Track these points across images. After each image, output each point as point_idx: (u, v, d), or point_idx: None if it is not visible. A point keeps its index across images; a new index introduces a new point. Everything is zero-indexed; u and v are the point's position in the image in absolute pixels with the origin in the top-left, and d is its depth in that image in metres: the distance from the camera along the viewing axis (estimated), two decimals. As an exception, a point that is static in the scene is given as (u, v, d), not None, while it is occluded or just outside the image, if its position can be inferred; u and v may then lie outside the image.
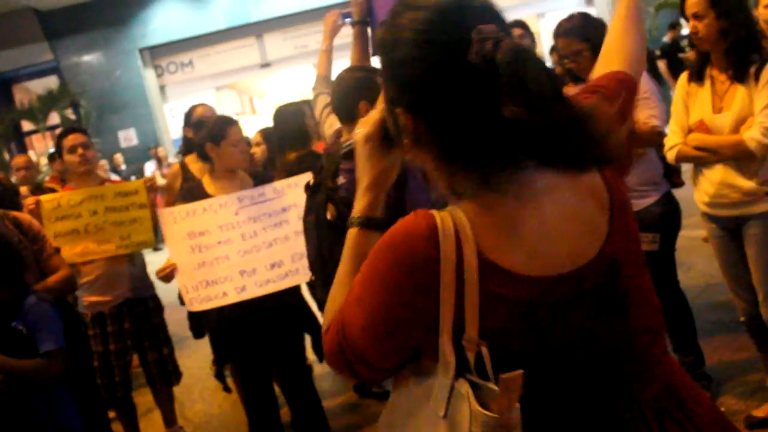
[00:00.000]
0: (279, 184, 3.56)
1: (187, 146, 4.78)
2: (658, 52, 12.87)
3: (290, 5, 15.41)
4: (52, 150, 8.36)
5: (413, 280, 1.12)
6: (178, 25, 15.70)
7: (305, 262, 3.39)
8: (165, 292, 4.36)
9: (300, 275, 3.43)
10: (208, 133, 3.51)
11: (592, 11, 14.26)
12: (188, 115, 4.77)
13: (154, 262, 4.07)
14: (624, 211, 1.25)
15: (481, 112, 1.10)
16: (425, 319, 1.13)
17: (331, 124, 3.51)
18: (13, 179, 5.81)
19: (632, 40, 1.56)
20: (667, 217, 3.47)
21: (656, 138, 3.34)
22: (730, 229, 3.16)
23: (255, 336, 3.50)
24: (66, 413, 2.94)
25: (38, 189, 5.59)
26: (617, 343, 1.20)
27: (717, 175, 3.08)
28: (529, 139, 1.09)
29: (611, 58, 1.53)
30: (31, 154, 15.94)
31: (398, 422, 1.28)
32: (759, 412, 3.24)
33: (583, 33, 3.42)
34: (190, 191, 3.59)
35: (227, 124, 3.55)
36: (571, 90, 2.52)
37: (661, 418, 1.21)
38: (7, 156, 14.10)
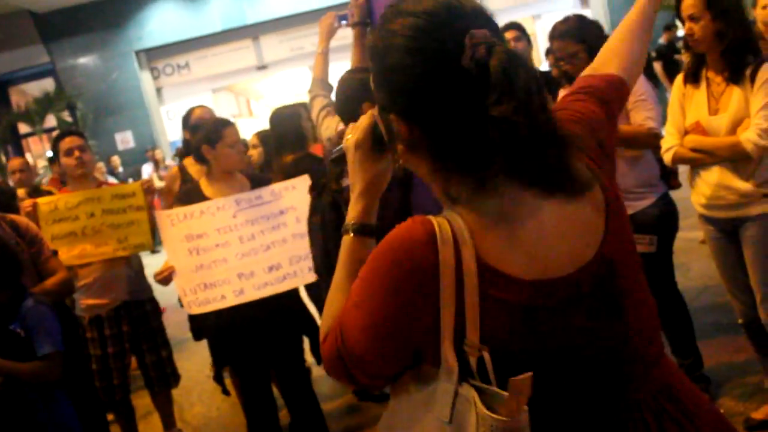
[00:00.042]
0: (276, 186, 3.56)
1: (186, 148, 4.78)
2: (653, 54, 12.90)
3: (286, 7, 15.42)
4: (50, 153, 8.36)
5: (412, 286, 1.12)
6: (175, 27, 15.70)
7: (303, 265, 3.41)
8: (163, 294, 4.36)
9: (298, 278, 3.43)
10: (204, 135, 3.51)
11: (588, 13, 14.30)
12: (186, 117, 4.76)
13: (151, 264, 4.06)
14: (619, 213, 1.26)
15: (474, 116, 1.10)
16: (425, 324, 1.13)
17: (328, 126, 3.51)
18: (10, 182, 5.81)
19: (636, 46, 1.56)
20: (664, 219, 3.47)
21: (652, 140, 3.35)
22: (727, 231, 3.17)
23: (253, 339, 3.49)
24: (64, 416, 2.93)
25: (35, 191, 5.57)
26: (616, 345, 1.20)
27: (714, 176, 3.08)
28: (513, 145, 1.09)
29: (610, 59, 1.53)
30: (28, 156, 15.94)
31: (399, 428, 1.28)
32: (758, 414, 3.25)
33: (578, 35, 3.42)
34: (188, 194, 3.59)
35: (223, 125, 3.55)
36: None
37: (660, 420, 1.22)
38: (3, 158, 14.09)
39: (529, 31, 4.57)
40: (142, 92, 15.90)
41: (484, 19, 1.18)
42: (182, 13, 15.72)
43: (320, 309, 4.39)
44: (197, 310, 3.38)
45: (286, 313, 3.55)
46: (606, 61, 1.52)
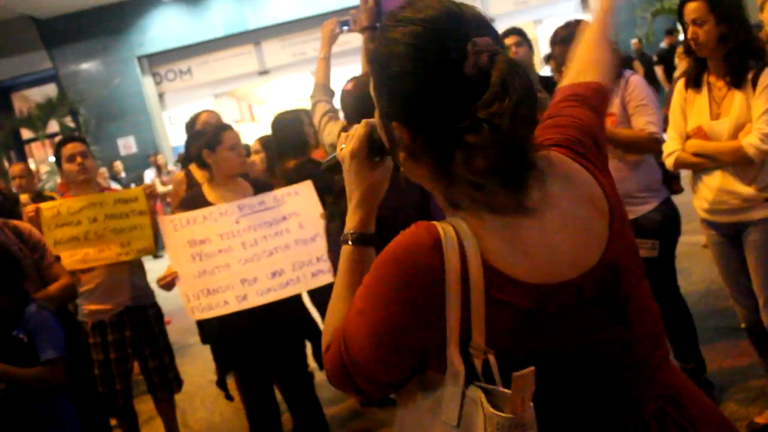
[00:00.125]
0: (279, 192, 3.57)
1: (187, 155, 4.78)
2: (655, 58, 12.92)
3: (288, 13, 15.45)
4: (53, 158, 8.36)
5: (417, 292, 1.12)
6: (177, 32, 15.73)
7: (306, 271, 3.41)
8: (165, 300, 4.36)
9: (301, 284, 3.43)
10: (204, 140, 3.53)
11: (589, 17, 14.29)
12: (192, 122, 4.76)
13: (154, 269, 4.07)
14: (622, 218, 1.26)
15: (472, 120, 1.11)
16: (430, 329, 1.13)
17: (330, 132, 3.51)
18: (12, 188, 5.81)
19: (607, 53, 1.61)
20: (666, 224, 3.47)
21: (653, 145, 3.35)
22: (729, 236, 3.16)
23: (256, 344, 3.49)
24: (67, 421, 2.94)
25: (39, 197, 5.58)
26: (620, 350, 1.20)
27: (716, 181, 3.08)
28: (492, 147, 1.10)
29: (587, 69, 1.55)
30: (31, 162, 15.96)
31: None
32: (761, 419, 3.24)
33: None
34: (191, 199, 3.59)
35: (221, 129, 3.57)
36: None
37: (663, 425, 1.22)
38: (6, 164, 14.11)
39: (530, 36, 4.58)
40: (144, 98, 15.94)
41: (485, 26, 1.18)
42: (184, 18, 15.75)
43: (323, 314, 4.39)
44: (200, 316, 3.38)
45: (288, 318, 3.55)
46: (583, 71, 1.55)
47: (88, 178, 4.09)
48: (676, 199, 3.62)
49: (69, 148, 4.06)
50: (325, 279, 3.40)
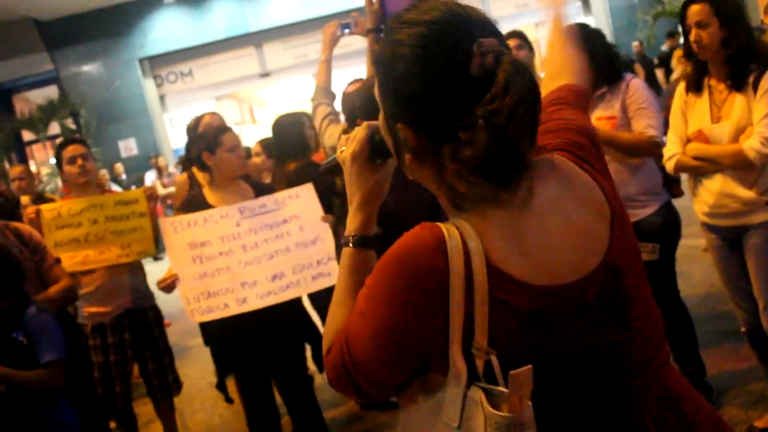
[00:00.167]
0: (280, 195, 3.57)
1: (188, 158, 4.79)
2: (656, 61, 12.93)
3: (289, 15, 15.47)
4: (54, 160, 8.37)
5: (421, 292, 1.12)
6: (178, 34, 15.75)
7: (306, 274, 3.41)
8: (165, 302, 4.36)
9: (301, 287, 3.43)
10: (203, 143, 3.53)
11: (591, 20, 14.32)
12: (195, 125, 4.77)
13: (154, 272, 4.07)
14: (623, 221, 1.26)
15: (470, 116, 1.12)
16: (433, 330, 1.13)
17: (331, 135, 3.52)
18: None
19: (572, 55, 1.64)
20: (667, 227, 3.47)
21: (653, 148, 3.35)
22: (730, 239, 3.16)
23: (256, 346, 3.49)
24: (67, 424, 2.94)
25: (40, 199, 5.59)
26: (621, 353, 1.20)
27: (716, 185, 3.08)
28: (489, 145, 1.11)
29: (563, 73, 1.58)
30: (32, 164, 15.98)
31: None
32: (760, 423, 3.24)
33: (580, 43, 3.43)
34: (191, 201, 3.59)
35: (221, 131, 3.57)
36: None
37: (662, 428, 1.22)
38: (7, 166, 14.12)
39: (531, 38, 4.58)
40: (145, 100, 15.95)
41: (491, 28, 1.19)
42: (185, 20, 15.77)
43: (323, 317, 4.39)
44: (200, 319, 3.38)
45: (288, 321, 3.55)
46: (559, 75, 1.58)
47: (88, 180, 4.10)
48: (676, 202, 3.62)
49: (70, 151, 4.06)
50: (326, 282, 3.40)
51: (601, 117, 3.46)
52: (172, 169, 14.40)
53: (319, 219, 3.51)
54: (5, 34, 14.81)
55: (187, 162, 4.77)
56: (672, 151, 3.18)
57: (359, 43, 3.62)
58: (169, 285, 3.35)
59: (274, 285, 3.37)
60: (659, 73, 12.51)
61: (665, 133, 3.33)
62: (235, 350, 3.54)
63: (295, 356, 3.69)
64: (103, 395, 4.00)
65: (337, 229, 3.28)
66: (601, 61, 3.42)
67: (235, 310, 3.32)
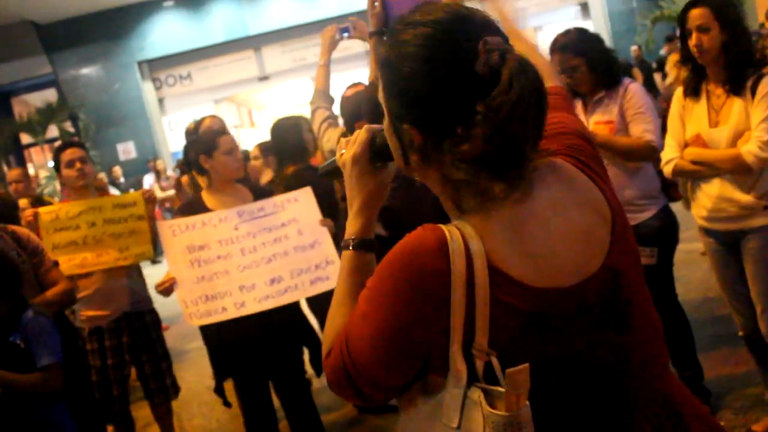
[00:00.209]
0: (278, 198, 3.56)
1: (186, 162, 4.79)
2: (654, 65, 12.95)
3: (288, 18, 15.49)
4: (52, 163, 8.38)
5: (422, 294, 1.12)
6: (177, 38, 15.77)
7: (305, 278, 3.40)
8: (163, 305, 4.35)
9: (299, 291, 3.42)
10: (200, 146, 3.53)
11: (590, 24, 14.35)
12: (196, 127, 4.76)
13: (152, 275, 4.06)
14: (624, 225, 1.27)
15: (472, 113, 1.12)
16: (434, 331, 1.13)
17: (330, 138, 3.52)
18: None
19: (536, 57, 1.65)
20: (665, 231, 3.48)
21: (650, 153, 3.36)
22: (728, 244, 3.16)
23: (254, 350, 3.49)
24: (64, 428, 2.93)
25: (38, 202, 5.58)
26: (620, 355, 1.21)
27: (714, 189, 3.08)
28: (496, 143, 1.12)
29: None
30: (30, 167, 15.97)
31: None
32: (758, 427, 3.24)
33: (579, 48, 3.44)
34: (190, 205, 3.60)
35: (217, 134, 3.58)
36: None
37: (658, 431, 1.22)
38: (5, 169, 14.13)
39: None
40: (144, 103, 15.97)
41: (494, 28, 1.19)
42: (184, 23, 15.79)
43: (322, 321, 4.39)
44: (198, 322, 3.37)
45: (286, 324, 3.55)
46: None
47: (86, 183, 4.09)
48: (674, 206, 3.63)
49: (68, 154, 4.06)
50: (324, 286, 3.39)
51: (599, 121, 3.46)
52: (170, 172, 14.40)
53: (317, 223, 3.50)
54: (4, 37, 14.83)
55: (185, 165, 4.76)
56: (670, 156, 3.19)
57: (358, 46, 3.62)
58: (167, 288, 3.35)
59: (272, 289, 3.36)
60: (658, 78, 12.53)
61: (663, 137, 3.34)
62: (233, 354, 3.53)
63: (293, 360, 3.69)
64: (100, 399, 3.99)
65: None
66: (600, 65, 3.43)
67: (233, 313, 3.32)
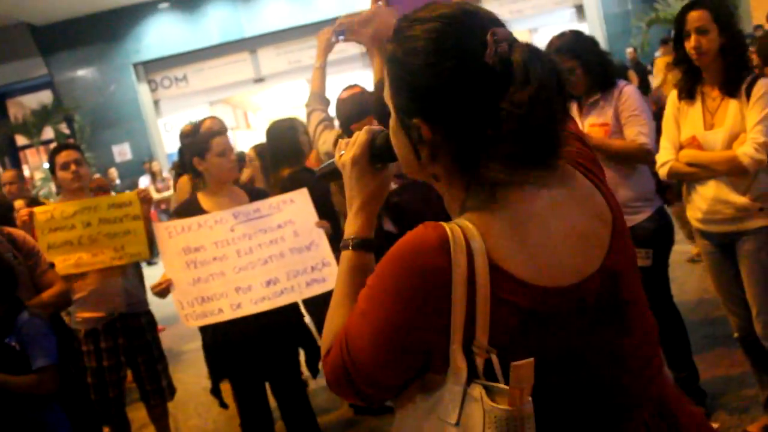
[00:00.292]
0: (274, 200, 3.56)
1: (182, 164, 4.80)
2: (649, 68, 12.97)
3: (284, 21, 15.50)
4: (47, 165, 8.36)
5: (424, 292, 1.12)
6: (172, 40, 15.76)
7: (301, 280, 3.40)
8: (159, 307, 4.35)
9: (295, 293, 3.42)
10: (194, 148, 3.54)
11: (585, 26, 14.37)
12: (193, 130, 4.76)
13: (149, 277, 4.06)
14: (623, 227, 1.27)
15: (496, 112, 1.12)
16: (434, 329, 1.13)
17: (325, 140, 3.52)
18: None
19: None
20: (660, 233, 3.48)
21: (644, 155, 3.37)
22: (723, 245, 3.17)
23: (250, 351, 3.49)
24: (59, 429, 2.92)
25: (34, 203, 5.57)
26: (618, 355, 1.21)
27: (710, 191, 3.09)
28: (522, 135, 1.12)
29: None
30: (25, 168, 15.94)
31: None
32: (754, 428, 3.25)
33: (573, 50, 3.45)
34: (186, 207, 3.59)
35: (210, 136, 3.57)
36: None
37: (654, 432, 1.23)
38: (1, 170, 14.10)
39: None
40: (139, 104, 15.95)
41: (499, 22, 1.20)
42: (180, 26, 15.78)
43: (318, 322, 4.38)
44: (194, 324, 3.37)
45: (282, 326, 3.55)
46: None
47: (82, 185, 4.09)
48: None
49: (63, 156, 4.06)
50: (320, 288, 3.39)
51: (594, 124, 3.47)
52: (166, 174, 14.39)
53: (313, 224, 3.50)
54: (-1, 39, 14.81)
55: (180, 167, 4.76)
56: (665, 158, 3.20)
57: (354, 48, 3.61)
58: (163, 290, 3.34)
59: (268, 290, 3.36)
60: (653, 80, 12.55)
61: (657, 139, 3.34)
62: (229, 355, 3.53)
63: (289, 361, 3.68)
64: (96, 400, 3.98)
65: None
66: (595, 68, 3.44)
67: (229, 315, 3.31)
